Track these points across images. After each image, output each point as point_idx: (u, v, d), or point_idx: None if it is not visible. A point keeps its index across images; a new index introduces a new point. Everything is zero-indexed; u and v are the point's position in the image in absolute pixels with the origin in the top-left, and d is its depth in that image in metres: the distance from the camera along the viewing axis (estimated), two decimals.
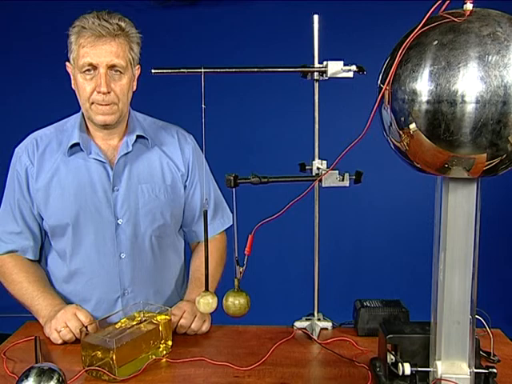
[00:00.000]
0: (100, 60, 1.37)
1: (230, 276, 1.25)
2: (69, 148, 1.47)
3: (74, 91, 1.47)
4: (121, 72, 1.40)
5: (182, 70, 1.24)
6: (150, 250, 1.54)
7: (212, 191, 1.65)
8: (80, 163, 1.48)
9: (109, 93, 1.39)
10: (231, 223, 1.67)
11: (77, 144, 1.47)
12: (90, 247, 1.49)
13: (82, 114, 1.51)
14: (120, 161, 1.49)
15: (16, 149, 1.52)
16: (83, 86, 1.40)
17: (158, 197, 1.52)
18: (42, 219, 1.51)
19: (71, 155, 1.48)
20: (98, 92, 1.39)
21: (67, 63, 1.44)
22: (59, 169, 1.47)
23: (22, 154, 1.49)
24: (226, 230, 1.69)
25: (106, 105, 1.41)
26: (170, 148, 1.57)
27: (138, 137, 1.52)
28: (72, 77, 1.45)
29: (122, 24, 1.39)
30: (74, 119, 1.53)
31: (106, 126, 1.47)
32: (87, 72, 1.38)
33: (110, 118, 1.44)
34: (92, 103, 1.41)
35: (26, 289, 1.46)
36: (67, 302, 1.48)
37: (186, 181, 1.58)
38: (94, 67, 1.38)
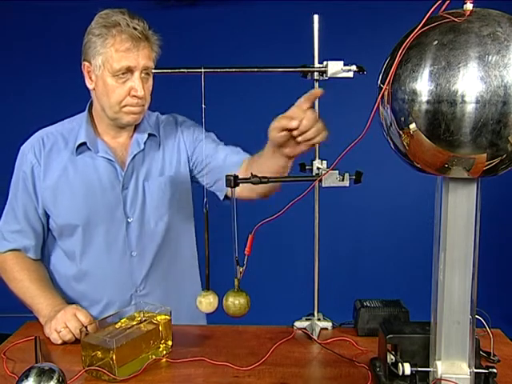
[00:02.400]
0: (138, 63, 1.36)
1: (230, 276, 1.25)
2: (76, 147, 1.47)
3: (87, 89, 1.45)
4: (148, 74, 1.41)
5: (181, 70, 1.24)
6: (160, 246, 1.54)
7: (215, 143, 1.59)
8: (88, 162, 1.48)
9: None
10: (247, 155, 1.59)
11: (84, 143, 1.47)
12: (100, 247, 1.49)
13: (88, 112, 1.51)
14: (132, 160, 1.49)
15: (21, 147, 1.52)
16: (115, 89, 1.38)
17: (164, 192, 1.52)
18: (48, 218, 1.51)
19: (79, 154, 1.47)
20: (134, 96, 1.39)
21: (85, 63, 1.41)
22: (67, 168, 1.47)
23: (28, 153, 1.49)
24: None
25: (138, 107, 1.42)
26: (173, 140, 1.57)
27: (149, 135, 1.53)
28: (90, 76, 1.42)
29: (146, 25, 1.38)
30: (80, 118, 1.52)
31: (127, 125, 1.48)
32: (121, 75, 1.37)
33: (138, 117, 1.46)
34: (124, 106, 1.41)
35: (27, 287, 1.46)
36: (78, 301, 1.48)
37: (191, 152, 1.56)
38: (130, 71, 1.37)
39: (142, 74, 1.39)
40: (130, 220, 1.49)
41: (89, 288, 1.52)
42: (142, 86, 1.38)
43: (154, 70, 1.34)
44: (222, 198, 1.57)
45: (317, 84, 1.31)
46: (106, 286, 1.52)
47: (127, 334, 1.23)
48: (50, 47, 3.35)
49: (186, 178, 1.58)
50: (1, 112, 3.47)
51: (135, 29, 1.35)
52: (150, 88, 1.44)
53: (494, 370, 1.06)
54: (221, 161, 1.53)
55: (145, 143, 1.52)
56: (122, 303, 1.51)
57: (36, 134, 1.53)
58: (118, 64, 1.35)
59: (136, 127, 1.52)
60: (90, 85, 1.44)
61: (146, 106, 1.46)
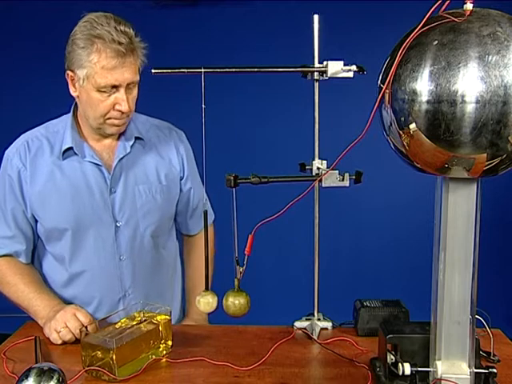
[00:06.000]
0: (122, 80, 1.35)
1: (230, 276, 1.25)
2: (62, 152, 1.45)
3: (71, 96, 1.44)
4: (134, 85, 1.40)
5: (182, 70, 1.24)
6: (149, 251, 1.55)
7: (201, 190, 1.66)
8: (75, 166, 1.46)
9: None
10: (213, 218, 1.73)
11: (70, 148, 1.46)
12: (89, 251, 1.49)
13: (73, 115, 1.49)
14: (118, 163, 1.49)
15: (6, 151, 1.49)
16: (100, 103, 1.37)
17: (155, 197, 1.52)
18: (36, 222, 1.50)
19: (65, 159, 1.46)
20: (118, 110, 1.38)
21: (69, 72, 1.38)
22: (54, 172, 1.45)
23: (14, 157, 1.46)
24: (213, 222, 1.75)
25: (122, 119, 1.42)
26: (165, 147, 1.57)
27: (136, 138, 1.52)
28: (74, 85, 1.39)
29: (132, 32, 1.35)
30: (65, 120, 1.50)
31: (110, 135, 1.48)
32: (106, 90, 1.35)
33: (121, 128, 1.46)
34: (108, 118, 1.40)
35: (21, 291, 1.45)
36: (68, 304, 1.47)
37: (183, 178, 1.60)
38: (115, 86, 1.35)
39: (127, 87, 1.38)
40: (118, 224, 1.49)
41: (78, 292, 1.52)
42: (126, 101, 1.37)
43: (154, 70, 1.33)
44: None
45: (317, 84, 1.31)
46: (96, 289, 1.52)
47: (127, 333, 1.23)
48: (34, 49, 3.33)
49: (175, 184, 1.58)
50: None
51: (120, 43, 1.31)
52: (135, 98, 1.43)
53: (494, 370, 1.06)
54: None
55: (132, 147, 1.51)
56: (111, 307, 1.52)
57: (20, 137, 1.51)
58: (103, 81, 1.33)
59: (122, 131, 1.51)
60: (73, 92, 1.42)
61: (131, 115, 1.46)
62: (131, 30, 1.35)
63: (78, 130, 1.49)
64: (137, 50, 1.37)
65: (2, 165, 1.50)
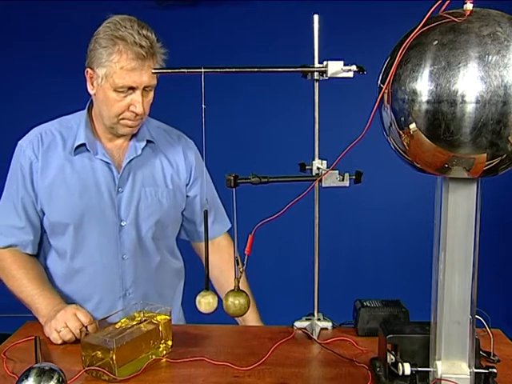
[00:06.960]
0: (140, 82, 1.36)
1: None
2: (75, 148, 1.47)
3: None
4: (150, 89, 1.42)
5: (182, 70, 1.24)
6: (151, 252, 1.56)
7: (212, 198, 1.66)
8: (85, 163, 1.48)
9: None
10: (229, 226, 1.71)
11: (83, 144, 1.47)
12: (92, 247, 1.49)
13: (88, 112, 1.51)
14: (127, 164, 1.50)
15: (19, 142, 1.51)
16: (115, 103, 1.39)
17: (161, 200, 1.53)
18: (44, 214, 1.51)
19: (76, 154, 1.48)
20: (132, 111, 1.39)
21: (88, 69, 1.40)
22: (64, 167, 1.47)
23: (27, 148, 1.48)
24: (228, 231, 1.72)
25: (136, 121, 1.43)
26: (174, 153, 1.58)
27: (147, 141, 1.53)
28: (92, 82, 1.41)
29: (153, 37, 1.37)
30: (79, 117, 1.52)
31: (122, 135, 1.49)
32: (123, 91, 1.37)
33: (134, 130, 1.48)
34: (122, 118, 1.42)
35: (25, 286, 1.45)
36: (68, 301, 1.48)
37: (188, 185, 1.60)
38: (132, 88, 1.37)
39: (144, 90, 1.39)
40: (123, 224, 1.49)
41: (78, 288, 1.53)
42: (141, 104, 1.38)
43: (153, 70, 1.35)
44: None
45: (317, 84, 1.31)
46: (96, 286, 1.52)
47: (127, 333, 1.23)
48: (46, 43, 3.34)
49: (182, 190, 1.59)
50: None
51: (142, 46, 1.33)
52: (150, 102, 1.44)
53: (494, 370, 1.06)
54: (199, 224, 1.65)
55: (143, 149, 1.52)
56: (111, 305, 1.52)
57: (34, 129, 1.52)
58: (121, 81, 1.35)
59: (135, 133, 1.52)
60: (91, 90, 1.43)
61: (144, 118, 1.47)
62: (153, 35, 1.37)
63: (91, 128, 1.50)
64: (157, 54, 1.38)
65: (15, 155, 1.51)
